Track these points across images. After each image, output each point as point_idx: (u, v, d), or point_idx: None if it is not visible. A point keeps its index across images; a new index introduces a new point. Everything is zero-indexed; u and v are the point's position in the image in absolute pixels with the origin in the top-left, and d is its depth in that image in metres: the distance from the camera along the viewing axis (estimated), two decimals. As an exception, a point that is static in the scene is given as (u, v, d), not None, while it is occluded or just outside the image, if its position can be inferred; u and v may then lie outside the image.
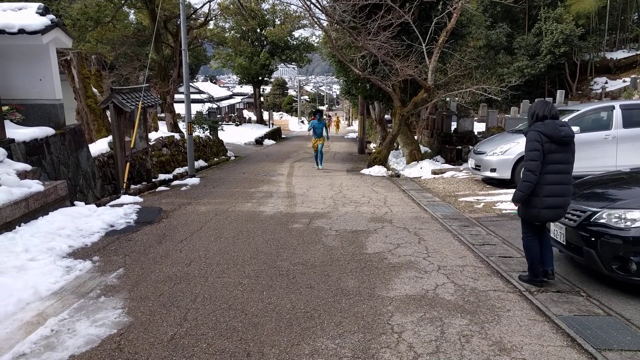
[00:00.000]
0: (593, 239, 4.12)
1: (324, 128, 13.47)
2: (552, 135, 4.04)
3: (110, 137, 9.98)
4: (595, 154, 8.80)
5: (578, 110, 9.17)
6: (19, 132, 7.05)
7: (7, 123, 7.11)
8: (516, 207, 4.36)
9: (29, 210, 5.86)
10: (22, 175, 6.32)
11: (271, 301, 4.03)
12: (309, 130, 13.76)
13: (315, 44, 33.21)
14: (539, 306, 3.89)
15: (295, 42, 35.27)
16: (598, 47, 30.99)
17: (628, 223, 3.97)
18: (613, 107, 8.98)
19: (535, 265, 4.34)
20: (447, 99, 15.44)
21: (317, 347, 3.27)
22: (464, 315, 3.75)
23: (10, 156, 6.56)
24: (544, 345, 3.27)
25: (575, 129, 8.61)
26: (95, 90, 11.82)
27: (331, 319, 3.70)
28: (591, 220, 4.22)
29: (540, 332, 3.46)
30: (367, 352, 3.20)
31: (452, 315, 3.76)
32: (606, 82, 28.25)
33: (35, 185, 6.19)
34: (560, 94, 20.37)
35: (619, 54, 31.64)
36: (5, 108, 7.45)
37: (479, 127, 17.43)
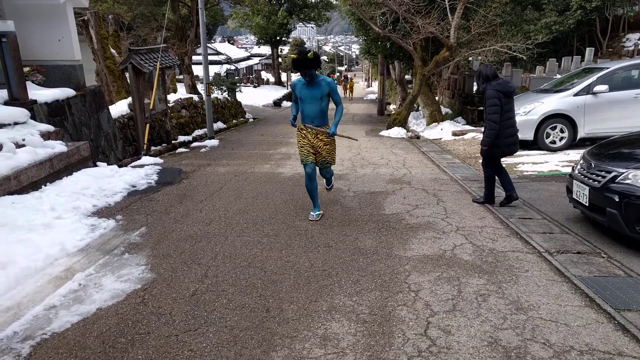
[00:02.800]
0: (617, 199, 4.03)
1: (330, 97, 5.07)
2: (505, 91, 5.18)
3: (129, 99, 10.03)
4: (625, 114, 8.51)
5: (608, 68, 8.82)
6: (40, 94, 7.13)
7: (28, 84, 7.18)
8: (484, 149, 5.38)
9: (53, 171, 5.99)
10: (46, 136, 6.44)
11: (290, 259, 4.10)
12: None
13: (335, 1, 32.30)
14: (557, 267, 3.87)
15: (313, 0, 34.37)
16: (632, 0, 29.37)
17: (655, 184, 3.86)
18: (645, 65, 8.60)
19: (492, 192, 5.69)
20: (470, 58, 14.98)
21: (335, 303, 3.33)
22: (481, 275, 3.76)
23: (33, 117, 6.66)
24: (561, 305, 3.27)
25: (603, 87, 8.45)
26: (113, 51, 11.80)
27: (349, 277, 3.76)
28: (616, 180, 4.12)
29: (559, 292, 3.45)
30: (384, 309, 3.25)
31: (470, 275, 3.77)
32: (639, 39, 26.91)
33: (58, 146, 6.30)
34: (589, 51, 19.50)
35: (655, 8, 29.94)
36: (26, 69, 7.51)
37: (514, 89, 16.91)
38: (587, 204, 4.48)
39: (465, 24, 12.46)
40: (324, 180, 5.58)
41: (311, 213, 5.20)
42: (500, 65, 20.22)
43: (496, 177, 5.66)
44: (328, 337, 2.91)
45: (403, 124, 13.74)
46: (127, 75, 10.22)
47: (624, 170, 4.11)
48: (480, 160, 6.00)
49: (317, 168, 5.19)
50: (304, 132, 5.05)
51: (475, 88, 15.10)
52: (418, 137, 12.38)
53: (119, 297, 3.41)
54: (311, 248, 4.36)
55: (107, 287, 3.54)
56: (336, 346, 2.81)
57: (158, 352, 2.75)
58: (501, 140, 5.26)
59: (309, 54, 4.60)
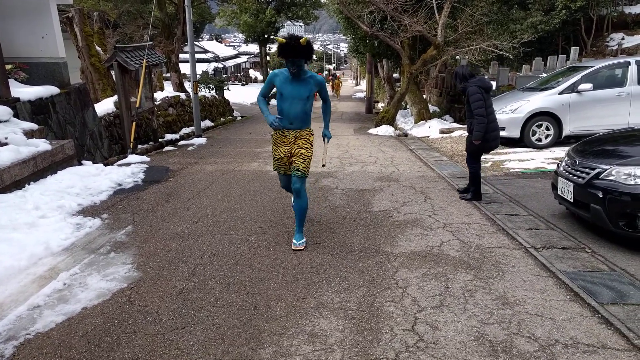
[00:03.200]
0: (601, 195, 4.09)
1: (319, 94, 4.55)
2: (485, 87, 5.43)
3: (115, 97, 9.93)
4: (607, 112, 8.64)
5: (592, 67, 8.93)
6: (23, 91, 7.02)
7: (11, 82, 7.07)
8: (476, 143, 5.50)
9: (37, 169, 5.90)
10: (29, 134, 6.34)
11: (277, 257, 4.09)
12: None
13: (323, 0, 32.29)
14: (543, 262, 3.91)
15: (301, -2, 34.32)
16: (616, 0, 29.80)
17: (637, 180, 3.93)
18: (628, 63, 8.74)
19: (479, 188, 5.78)
20: (458, 57, 15.08)
21: (323, 300, 3.33)
22: (468, 271, 3.79)
23: (16, 115, 6.56)
24: (547, 299, 3.31)
25: (587, 86, 8.56)
26: (98, 48, 11.66)
27: (337, 273, 3.76)
28: (600, 177, 4.18)
29: (544, 287, 3.49)
30: (372, 305, 3.25)
31: (457, 271, 3.79)
32: (623, 38, 27.30)
33: (42, 144, 6.21)
34: (574, 50, 19.73)
35: (638, 8, 30.43)
36: (9, 66, 7.39)
37: (492, 85, 17.04)
38: (571, 200, 4.54)
39: (452, 22, 12.54)
40: (299, 233, 4.38)
41: (294, 241, 4.30)
42: (487, 64, 20.39)
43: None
44: (316, 333, 2.91)
45: (391, 122, 13.79)
46: (112, 73, 10.10)
47: (607, 167, 4.17)
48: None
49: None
50: (279, 137, 4.26)
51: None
52: (406, 135, 12.42)
53: (104, 296, 3.37)
54: (299, 245, 4.35)
55: (93, 286, 3.50)
56: (324, 342, 2.81)
57: (144, 350, 2.73)
58: (489, 134, 5.44)
59: (301, 40, 3.89)
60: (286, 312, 3.17)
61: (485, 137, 5.44)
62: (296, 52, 3.90)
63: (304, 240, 4.34)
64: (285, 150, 4.26)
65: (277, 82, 4.17)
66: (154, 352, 2.72)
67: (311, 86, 4.16)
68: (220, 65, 43.38)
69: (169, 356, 2.68)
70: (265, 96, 4.37)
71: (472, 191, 5.84)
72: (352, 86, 49.37)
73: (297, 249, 4.23)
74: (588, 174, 4.31)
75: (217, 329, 2.96)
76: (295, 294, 3.43)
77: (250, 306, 3.24)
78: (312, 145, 4.33)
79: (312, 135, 4.35)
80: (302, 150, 4.21)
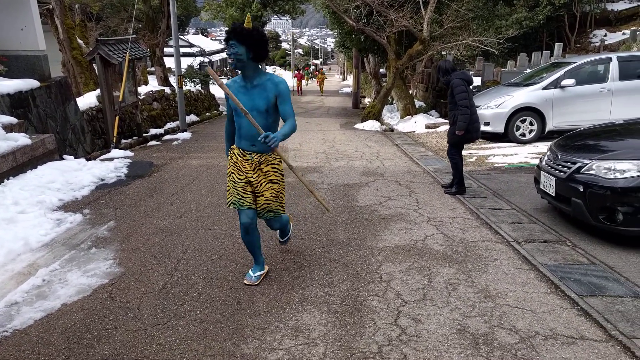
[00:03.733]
0: (582, 189, 4.14)
1: (282, 105, 3.24)
2: (467, 79, 5.55)
3: (98, 91, 9.77)
4: (589, 107, 8.75)
5: (575, 63, 9.03)
6: (2, 84, 6.87)
7: (-11, 75, 6.92)
8: (459, 134, 5.56)
9: (17, 164, 5.79)
10: (8, 128, 6.21)
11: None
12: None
13: (309, -6, 32.11)
14: (525, 255, 3.95)
15: (288, -8, 34.05)
16: (599, -2, 30.16)
17: (617, 174, 3.98)
18: (610, 60, 8.85)
19: (462, 180, 5.85)
20: (444, 52, 15.15)
21: (307, 295, 3.32)
22: (451, 265, 3.81)
23: (-6, 109, 6.42)
24: (528, 292, 3.35)
25: (570, 81, 8.65)
26: (80, 41, 11.46)
27: (321, 268, 3.75)
28: (581, 171, 4.23)
29: (525, 280, 3.53)
30: (355, 299, 3.26)
31: (440, 265, 3.81)
32: (605, 35, 27.70)
33: (22, 139, 6.09)
34: (558, 46, 19.99)
35: (620, 5, 30.86)
36: (-14, 59, 7.23)
37: (475, 81, 17.16)
38: (553, 194, 4.59)
39: (438, 18, 12.57)
40: (277, 232, 3.93)
41: (249, 272, 3.52)
42: (472, 60, 20.52)
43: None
44: (299, 328, 2.91)
45: (377, 117, 13.80)
46: (95, 66, 9.93)
47: (588, 161, 4.22)
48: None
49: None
50: (240, 159, 3.28)
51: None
52: (392, 130, 12.45)
53: (85, 292, 3.33)
54: (284, 240, 4.34)
55: (73, 282, 3.45)
56: (307, 337, 2.81)
57: (125, 346, 2.70)
58: (470, 125, 5.53)
59: (249, 26, 3.24)
60: (269, 307, 3.15)
61: (467, 127, 5.51)
62: (239, 36, 3.00)
63: (263, 271, 3.59)
64: (245, 178, 3.27)
65: (233, 93, 3.15)
66: (135, 348, 2.69)
67: (268, 92, 3.14)
68: (206, 60, 42.98)
69: (150, 352, 2.65)
70: (230, 118, 3.43)
71: (456, 184, 5.88)
72: (339, 81, 49.31)
73: (251, 283, 3.46)
74: (569, 168, 4.36)
75: (199, 324, 2.94)
76: (279, 288, 3.42)
77: (233, 301, 3.23)
78: (282, 175, 3.40)
79: (280, 163, 3.38)
80: (273, 186, 3.32)
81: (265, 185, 3.30)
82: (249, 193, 3.30)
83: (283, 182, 3.44)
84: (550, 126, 9.00)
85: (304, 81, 36.47)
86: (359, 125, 13.03)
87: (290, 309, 3.13)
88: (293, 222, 4.43)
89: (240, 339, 2.79)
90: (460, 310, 3.10)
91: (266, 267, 3.67)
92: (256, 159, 3.28)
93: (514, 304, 3.18)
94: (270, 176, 3.32)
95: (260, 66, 3.24)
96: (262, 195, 3.30)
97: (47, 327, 2.89)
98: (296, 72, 33.49)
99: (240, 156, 3.29)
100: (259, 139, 3.08)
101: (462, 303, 3.20)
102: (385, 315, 3.05)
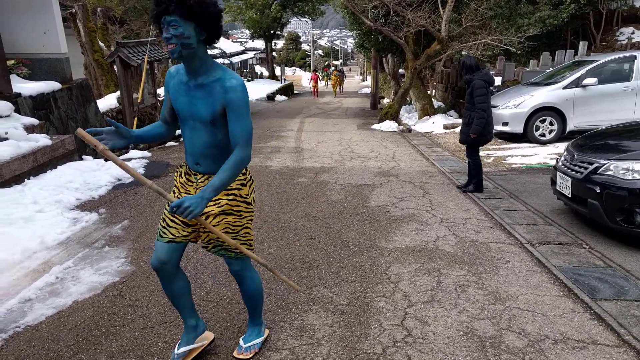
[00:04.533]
0: (598, 190, 4.03)
1: (231, 121, 2.14)
2: (489, 81, 5.46)
3: (118, 92, 9.96)
4: (612, 107, 8.52)
5: (597, 61, 8.81)
6: (25, 87, 7.06)
7: (13, 77, 7.12)
8: (472, 137, 5.56)
9: (37, 164, 5.94)
10: (30, 129, 6.38)
11: (271, 251, 4.08)
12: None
13: (328, -5, 32.13)
14: (539, 258, 3.87)
15: (307, -7, 34.17)
16: (626, -6, 29.32)
17: (636, 175, 3.87)
18: (635, 57, 8.60)
19: (482, 180, 5.84)
20: (464, 51, 14.97)
21: (313, 295, 3.32)
22: (462, 267, 3.76)
23: (17, 110, 6.60)
24: (539, 295, 3.27)
25: (592, 80, 8.45)
26: (102, 44, 11.71)
27: (329, 268, 3.74)
28: (598, 172, 4.12)
29: (538, 283, 3.46)
30: (362, 300, 3.24)
31: (450, 266, 3.76)
32: (633, 33, 26.92)
33: (42, 139, 6.25)
34: (582, 45, 19.49)
35: (649, 2, 29.95)
36: (11, 62, 7.45)
37: (495, 80, 16.91)
38: (569, 196, 4.48)
39: (456, 17, 12.42)
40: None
41: (174, 352, 2.49)
42: (494, 59, 20.19)
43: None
44: (304, 328, 2.90)
45: (395, 117, 13.72)
46: (115, 68, 10.13)
47: (605, 162, 4.11)
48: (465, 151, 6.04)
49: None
50: (184, 181, 2.39)
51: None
52: (410, 131, 12.35)
53: (96, 289, 3.39)
54: (294, 240, 4.34)
55: (85, 280, 3.51)
56: (311, 337, 2.80)
57: (132, 344, 2.73)
58: (486, 129, 5.51)
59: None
60: (276, 307, 3.16)
61: (484, 130, 5.49)
62: (184, 9, 1.99)
63: (258, 341, 2.64)
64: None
65: (171, 88, 2.27)
66: (141, 345, 2.72)
67: (215, 96, 2.13)
68: (227, 61, 43.38)
69: (155, 349, 2.68)
70: (165, 121, 2.42)
71: (475, 183, 5.85)
72: (359, 82, 49.20)
73: (241, 357, 2.56)
74: (586, 168, 4.25)
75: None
76: (286, 288, 3.42)
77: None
78: (247, 204, 2.37)
79: (245, 186, 2.34)
80: (227, 218, 2.30)
81: (214, 218, 2.26)
82: (179, 223, 2.31)
83: (248, 211, 2.37)
84: (571, 126, 8.80)
85: (322, 82, 34.96)
86: (376, 126, 12.96)
87: (296, 309, 3.13)
88: (303, 223, 4.42)
89: (245, 338, 2.79)
90: (468, 313, 3.05)
91: (266, 332, 2.75)
92: (202, 182, 2.27)
93: (524, 307, 3.11)
94: (222, 205, 2.24)
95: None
96: (213, 225, 2.24)
97: (58, 323, 2.95)
98: (312, 73, 31.53)
99: (186, 176, 2.38)
100: (167, 209, 2.27)
101: (470, 305, 3.15)
102: (391, 317, 3.02)
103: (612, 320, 2.89)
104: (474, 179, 5.86)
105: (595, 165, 4.17)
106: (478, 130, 5.46)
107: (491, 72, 5.98)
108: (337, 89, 31.14)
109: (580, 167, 4.35)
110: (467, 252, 4.05)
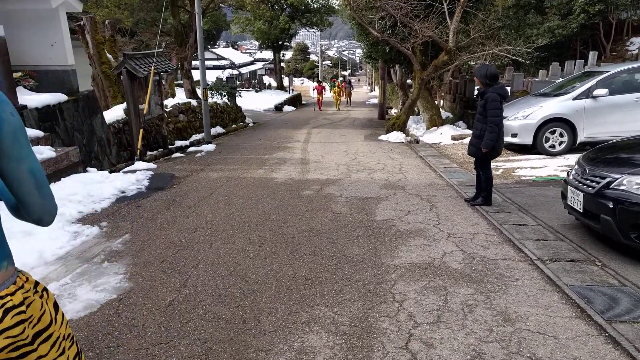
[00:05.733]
0: (611, 206, 3.89)
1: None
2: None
3: (125, 104, 9.97)
4: (624, 118, 8.34)
5: (608, 72, 8.66)
6: (30, 99, 7.07)
7: (19, 89, 7.14)
8: (484, 151, 5.46)
9: (41, 176, 5.90)
10: (35, 141, 6.37)
11: (273, 268, 3.98)
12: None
13: (336, 6, 32.27)
14: (549, 275, 3.72)
15: (315, 5, 34.35)
16: (637, 4, 29.15)
17: (650, 190, 3.72)
18: (646, 68, 8.44)
19: (491, 193, 5.73)
20: (471, 62, 14.88)
21: (315, 315, 3.20)
22: (469, 285, 3.62)
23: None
24: (550, 316, 3.13)
25: (603, 91, 8.29)
26: (109, 56, 11.77)
27: (332, 286, 3.63)
28: (611, 186, 3.98)
29: (549, 303, 3.32)
30: (365, 320, 3.12)
31: (458, 285, 3.63)
32: (643, 42, 26.67)
33: (47, 152, 6.23)
34: (592, 55, 19.34)
35: (659, 12, 29.70)
36: (18, 74, 7.48)
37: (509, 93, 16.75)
38: (581, 211, 4.34)
39: (464, 27, 12.35)
40: None
41: None
42: (503, 70, 20.08)
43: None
44: (304, 350, 2.79)
45: (402, 128, 13.62)
46: (122, 79, 10.15)
47: (618, 176, 3.97)
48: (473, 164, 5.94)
49: None
50: None
51: (476, 92, 14.91)
52: (417, 142, 12.24)
53: (92, 307, 3.30)
54: (296, 256, 4.24)
55: (81, 297, 3.43)
56: (311, 360, 2.69)
57: (125, 366, 2.64)
58: (496, 142, 5.43)
59: None
60: (275, 327, 3.05)
61: (496, 144, 5.43)
62: None
63: None
64: None
65: None
66: (135, 367, 2.63)
67: None
68: (236, 72, 43.66)
69: (149, 372, 2.59)
70: None
71: (484, 196, 5.73)
72: (367, 92, 49.22)
73: None
74: (598, 183, 4.12)
75: (202, 344, 2.86)
76: (287, 307, 3.31)
77: (239, 320, 3.14)
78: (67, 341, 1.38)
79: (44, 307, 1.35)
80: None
81: None
82: None
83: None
84: (581, 137, 8.64)
85: (330, 93, 32.68)
86: (383, 137, 12.88)
87: (296, 330, 3.02)
88: (306, 237, 4.31)
89: (242, 360, 2.69)
90: (476, 335, 2.92)
91: None
92: None
93: (535, 329, 2.98)
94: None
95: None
96: None
97: (51, 343, 2.87)
98: (316, 84, 28.96)
99: None
100: None
101: (478, 327, 3.02)
102: (395, 339, 2.90)
103: (629, 345, 2.74)
104: (483, 192, 5.73)
105: (607, 179, 4.03)
106: (490, 145, 5.38)
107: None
108: (343, 100, 28.51)
109: (592, 181, 4.21)
110: (474, 269, 3.92)
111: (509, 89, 15.25)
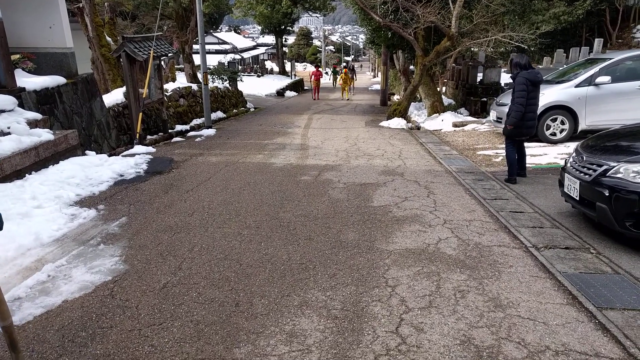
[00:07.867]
0: (607, 194, 3.88)
1: None
2: (533, 80, 5.78)
3: (125, 87, 9.93)
4: (627, 106, 8.26)
5: (611, 59, 8.56)
6: (29, 81, 7.04)
7: (18, 72, 7.11)
8: (509, 128, 5.98)
9: (39, 159, 5.92)
10: (33, 124, 6.36)
11: (268, 252, 4.00)
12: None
13: (339, -9, 31.85)
14: (543, 263, 3.73)
15: (318, -11, 33.95)
16: (644, -9, 28.65)
17: (647, 178, 3.71)
18: (650, 55, 8.34)
19: (512, 168, 6.19)
20: (474, 48, 14.72)
21: (307, 298, 3.23)
22: (463, 271, 3.64)
23: (21, 105, 6.59)
24: (542, 302, 3.14)
25: (605, 78, 8.21)
26: (109, 39, 11.69)
27: (325, 270, 3.65)
28: (607, 174, 3.96)
29: (541, 289, 3.33)
30: (357, 305, 3.14)
31: (451, 271, 3.64)
32: (650, 30, 26.32)
33: (45, 134, 6.23)
34: (598, 42, 19.08)
35: (667, -1, 29.24)
36: (16, 56, 7.44)
37: (507, 78, 16.60)
38: (577, 198, 4.33)
39: (467, 13, 12.18)
40: None
41: None
42: (507, 56, 19.86)
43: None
44: (295, 333, 2.81)
45: (403, 114, 13.54)
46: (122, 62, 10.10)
47: (615, 164, 3.95)
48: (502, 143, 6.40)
49: None
50: None
51: (479, 79, 14.80)
52: (418, 128, 12.18)
53: (87, 289, 3.33)
54: (292, 241, 4.25)
55: (77, 278, 3.46)
56: (302, 343, 2.72)
57: (117, 347, 2.67)
58: (524, 122, 5.92)
59: None
60: (267, 310, 3.08)
61: (520, 123, 5.90)
62: None
63: None
64: None
65: None
66: (127, 348, 2.66)
67: None
68: (238, 57, 43.37)
69: (141, 353, 2.62)
70: None
71: (508, 171, 6.29)
72: (370, 78, 48.86)
73: None
74: (595, 170, 4.10)
75: (194, 325, 2.89)
76: (280, 290, 3.33)
77: (232, 303, 3.16)
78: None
79: None
80: None
81: None
82: None
83: None
84: (583, 125, 8.57)
85: (329, 79, 31.19)
86: (384, 123, 12.81)
87: (288, 313, 3.04)
88: (302, 222, 4.33)
89: (234, 342, 2.72)
90: (466, 320, 2.94)
91: None
92: None
93: (525, 315, 2.99)
94: None
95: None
96: None
97: (45, 324, 2.90)
98: (314, 68, 25.18)
99: None
100: None
101: (469, 312, 3.04)
102: (386, 323, 2.92)
103: (618, 332, 2.75)
104: (515, 169, 6.25)
105: (604, 167, 4.01)
106: (513, 122, 5.87)
107: (502, 70, 6.01)
108: (348, 89, 24.19)
109: (589, 169, 4.19)
110: (469, 255, 3.93)
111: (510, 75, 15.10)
